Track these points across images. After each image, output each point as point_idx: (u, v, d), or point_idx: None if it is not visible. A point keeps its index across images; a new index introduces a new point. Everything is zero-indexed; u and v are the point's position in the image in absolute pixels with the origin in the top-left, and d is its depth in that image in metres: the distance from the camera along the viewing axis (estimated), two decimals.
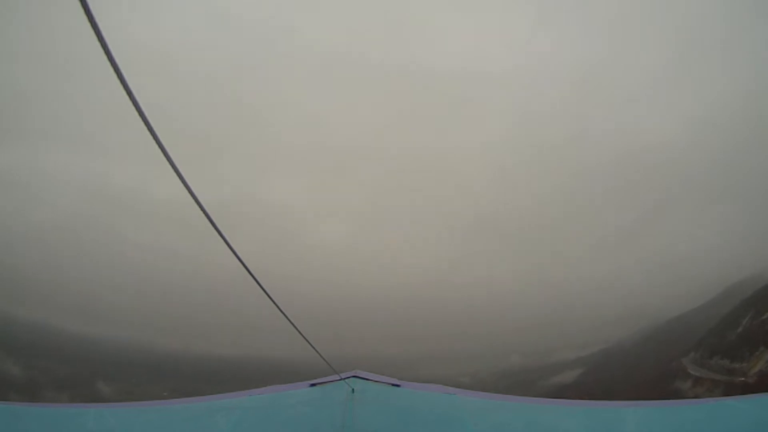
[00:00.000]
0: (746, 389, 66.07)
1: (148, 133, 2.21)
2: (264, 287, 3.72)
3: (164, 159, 2.34)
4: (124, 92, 2.00)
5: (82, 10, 1.66)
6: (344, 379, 4.24)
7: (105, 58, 1.85)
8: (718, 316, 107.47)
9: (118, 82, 1.95)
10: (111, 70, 1.89)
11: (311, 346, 4.57)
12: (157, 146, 2.27)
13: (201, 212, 2.70)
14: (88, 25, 1.71)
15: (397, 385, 4.33)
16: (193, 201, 2.63)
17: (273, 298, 4.40)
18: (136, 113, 2.11)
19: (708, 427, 3.42)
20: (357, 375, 4.42)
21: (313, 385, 4.33)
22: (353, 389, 4.08)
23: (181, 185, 2.52)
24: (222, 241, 2.96)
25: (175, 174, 2.45)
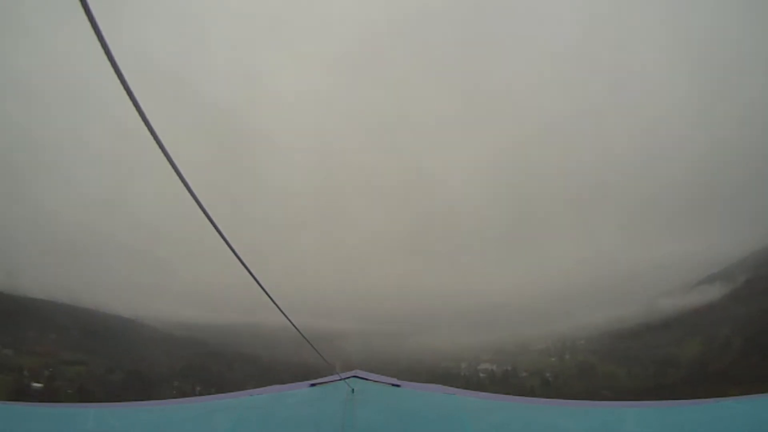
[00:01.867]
0: None
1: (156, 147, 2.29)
2: (268, 291, 3.79)
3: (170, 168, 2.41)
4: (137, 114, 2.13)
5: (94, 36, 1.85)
6: (344, 379, 4.31)
7: (114, 73, 2.00)
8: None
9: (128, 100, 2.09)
10: (123, 90, 2.05)
11: (313, 347, 4.68)
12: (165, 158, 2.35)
13: (206, 219, 2.73)
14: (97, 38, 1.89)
15: (397, 385, 4.40)
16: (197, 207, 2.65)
17: (276, 302, 4.50)
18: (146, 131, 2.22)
19: (708, 427, 3.45)
20: (357, 375, 4.48)
21: (313, 385, 4.41)
22: (353, 389, 4.14)
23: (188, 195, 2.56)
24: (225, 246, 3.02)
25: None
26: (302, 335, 4.77)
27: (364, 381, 4.38)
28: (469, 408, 3.93)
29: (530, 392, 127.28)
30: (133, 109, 2.15)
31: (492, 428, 3.76)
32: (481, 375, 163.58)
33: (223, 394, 4.14)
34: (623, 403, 3.87)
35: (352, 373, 4.50)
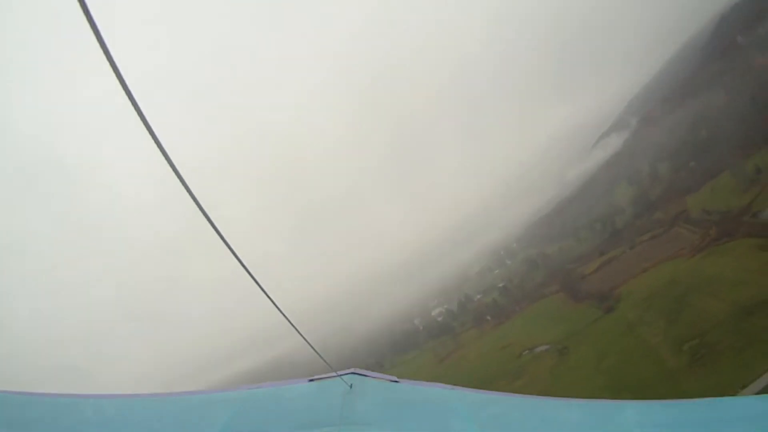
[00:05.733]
0: None
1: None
2: (262, 286, 3.86)
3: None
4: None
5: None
6: (342, 375, 4.50)
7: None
8: None
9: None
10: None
11: (309, 344, 4.82)
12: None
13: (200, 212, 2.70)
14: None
15: (396, 381, 4.65)
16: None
17: (272, 297, 4.50)
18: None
19: (710, 426, 3.60)
20: (355, 372, 4.65)
21: (311, 380, 4.55)
22: (351, 385, 4.32)
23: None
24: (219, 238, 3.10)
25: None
26: (298, 332, 4.94)
27: (362, 377, 4.59)
28: (468, 400, 4.25)
29: (493, 306, 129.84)
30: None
31: (491, 419, 3.97)
32: (439, 319, 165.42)
33: (220, 388, 4.21)
34: (625, 401, 4.33)
35: (351, 370, 4.67)
